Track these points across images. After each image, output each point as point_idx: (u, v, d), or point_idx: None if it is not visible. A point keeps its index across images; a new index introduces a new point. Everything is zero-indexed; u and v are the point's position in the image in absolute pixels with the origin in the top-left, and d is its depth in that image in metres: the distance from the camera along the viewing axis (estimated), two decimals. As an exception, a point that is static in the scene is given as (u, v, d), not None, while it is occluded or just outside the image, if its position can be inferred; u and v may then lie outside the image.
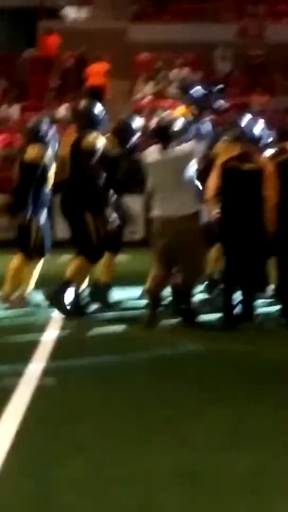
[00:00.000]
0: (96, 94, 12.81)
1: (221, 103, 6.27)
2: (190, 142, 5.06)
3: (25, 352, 4.33)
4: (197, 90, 6.16)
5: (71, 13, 16.63)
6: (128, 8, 16.24)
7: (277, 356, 4.26)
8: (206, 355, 4.40)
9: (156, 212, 5.09)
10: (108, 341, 4.86)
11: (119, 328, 5.23)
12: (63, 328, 5.16)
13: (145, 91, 14.52)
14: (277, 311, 5.22)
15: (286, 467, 2.50)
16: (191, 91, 6.16)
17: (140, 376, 3.90)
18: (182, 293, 5.14)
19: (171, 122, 5.19)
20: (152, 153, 5.08)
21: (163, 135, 5.05)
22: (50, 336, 4.87)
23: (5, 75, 14.81)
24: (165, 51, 15.00)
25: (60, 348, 4.54)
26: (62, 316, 5.34)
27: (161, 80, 14.65)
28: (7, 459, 2.59)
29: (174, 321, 5.18)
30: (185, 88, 7.31)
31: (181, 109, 6.17)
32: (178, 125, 5.11)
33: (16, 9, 16.61)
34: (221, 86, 6.86)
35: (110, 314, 5.54)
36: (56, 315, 5.39)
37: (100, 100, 10.82)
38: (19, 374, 3.80)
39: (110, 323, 5.32)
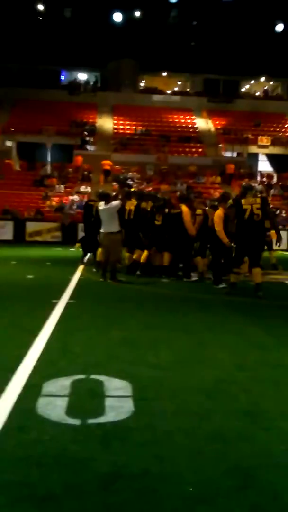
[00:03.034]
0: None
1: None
2: (116, 201, 10.14)
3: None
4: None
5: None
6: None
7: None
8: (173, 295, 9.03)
9: (101, 230, 10.14)
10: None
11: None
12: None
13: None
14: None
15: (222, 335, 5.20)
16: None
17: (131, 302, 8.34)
18: (115, 267, 10.18)
19: (108, 193, 10.85)
20: (101, 205, 10.15)
21: (104, 198, 10.23)
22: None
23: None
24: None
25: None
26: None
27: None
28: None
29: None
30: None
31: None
32: (109, 194, 10.71)
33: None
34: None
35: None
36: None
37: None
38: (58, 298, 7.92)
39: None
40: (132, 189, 13.57)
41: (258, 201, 8.86)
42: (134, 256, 11.17)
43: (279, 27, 31.18)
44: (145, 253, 11.00)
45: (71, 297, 8.08)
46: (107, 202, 9.98)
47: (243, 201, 8.76)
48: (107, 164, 28.76)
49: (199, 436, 3.17)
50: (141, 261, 11.03)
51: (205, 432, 3.23)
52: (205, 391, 3.97)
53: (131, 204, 11.31)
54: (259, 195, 10.10)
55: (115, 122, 35.12)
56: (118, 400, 3.71)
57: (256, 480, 2.68)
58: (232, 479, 2.68)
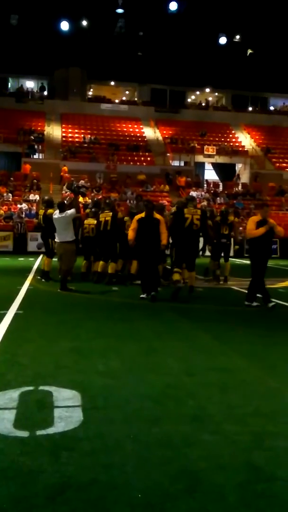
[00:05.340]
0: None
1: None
2: (70, 210, 9.90)
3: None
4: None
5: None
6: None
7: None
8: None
9: (56, 239, 10.16)
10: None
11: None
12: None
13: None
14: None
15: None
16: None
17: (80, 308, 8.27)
18: (66, 276, 10.08)
19: (62, 202, 10.57)
20: (56, 214, 10.04)
21: (60, 207, 10.04)
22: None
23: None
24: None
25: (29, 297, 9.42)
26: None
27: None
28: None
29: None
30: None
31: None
32: (65, 203, 10.58)
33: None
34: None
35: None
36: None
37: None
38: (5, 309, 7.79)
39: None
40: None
41: (199, 212, 9.70)
42: (110, 271, 11.03)
43: (223, 40, 32.03)
44: (113, 264, 11.02)
45: (20, 308, 7.95)
46: (62, 211, 9.86)
47: (185, 210, 9.58)
48: (63, 170, 29.10)
49: (147, 443, 3.20)
50: (110, 271, 10.99)
51: (154, 438, 3.27)
52: (154, 398, 4.01)
53: (106, 215, 11.10)
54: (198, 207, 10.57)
55: (64, 130, 34.95)
56: (67, 410, 3.69)
57: (203, 483, 2.74)
58: (180, 484, 2.73)
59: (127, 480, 2.74)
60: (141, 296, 9.14)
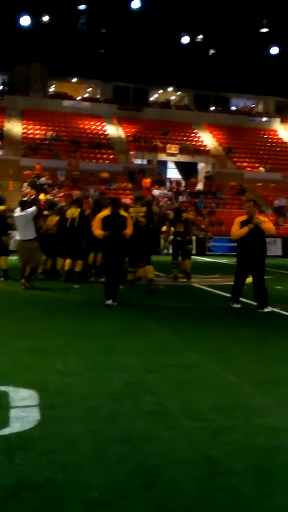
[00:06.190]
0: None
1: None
2: (32, 208, 9.90)
3: None
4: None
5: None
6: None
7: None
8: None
9: (17, 237, 10.40)
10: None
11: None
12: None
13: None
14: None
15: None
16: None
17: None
18: (33, 272, 10.02)
19: (24, 200, 10.51)
20: (17, 212, 10.05)
21: (21, 204, 10.07)
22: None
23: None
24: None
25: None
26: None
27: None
28: None
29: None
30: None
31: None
32: (27, 200, 10.26)
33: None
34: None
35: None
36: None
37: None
38: None
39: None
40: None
41: (143, 209, 10.10)
42: (77, 269, 10.88)
43: (185, 39, 32.24)
44: (80, 262, 10.90)
45: (-23, 306, 7.78)
46: (23, 209, 9.72)
47: (131, 209, 10.10)
48: (36, 168, 28.79)
49: (104, 441, 3.18)
50: (77, 269, 10.86)
51: (111, 435, 3.25)
52: (112, 395, 4.00)
53: (74, 211, 10.93)
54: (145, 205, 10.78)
55: (24, 126, 34.45)
56: (24, 410, 3.63)
57: (159, 479, 2.74)
58: (137, 480, 2.72)
59: (83, 479, 2.72)
60: (107, 303, 8.04)
